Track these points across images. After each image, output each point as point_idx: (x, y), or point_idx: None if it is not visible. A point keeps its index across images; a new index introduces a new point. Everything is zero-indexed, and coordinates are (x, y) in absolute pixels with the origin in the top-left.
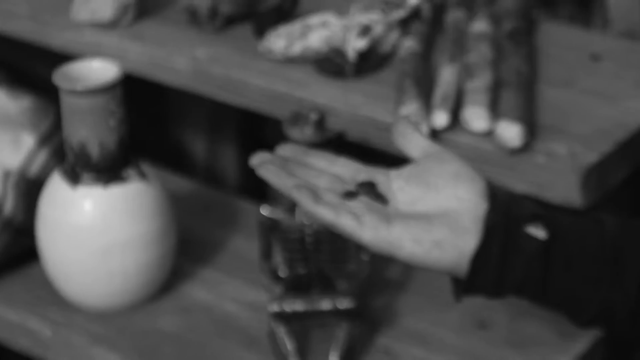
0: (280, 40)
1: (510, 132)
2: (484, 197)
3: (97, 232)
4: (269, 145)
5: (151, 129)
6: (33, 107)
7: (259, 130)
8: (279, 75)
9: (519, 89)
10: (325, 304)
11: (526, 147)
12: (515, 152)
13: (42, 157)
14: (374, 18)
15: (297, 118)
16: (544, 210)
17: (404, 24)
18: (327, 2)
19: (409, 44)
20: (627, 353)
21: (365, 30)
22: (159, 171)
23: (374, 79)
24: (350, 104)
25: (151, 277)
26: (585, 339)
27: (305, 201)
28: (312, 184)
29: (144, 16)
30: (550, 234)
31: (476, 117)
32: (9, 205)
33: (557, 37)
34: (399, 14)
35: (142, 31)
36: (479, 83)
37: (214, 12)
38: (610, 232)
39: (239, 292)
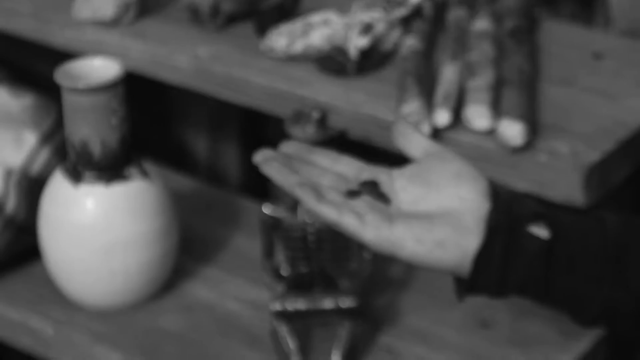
0: (282, 38)
1: (512, 131)
2: (486, 196)
3: (99, 230)
4: (270, 144)
5: (153, 127)
6: (35, 105)
7: (261, 128)
8: (281, 73)
9: (521, 88)
10: (328, 303)
11: (528, 145)
12: (517, 150)
13: (44, 155)
14: (376, 16)
15: (299, 116)
16: (546, 209)
17: (406, 22)
18: (328, 0)
19: (411, 42)
20: (630, 352)
21: (367, 29)
22: (161, 169)
23: (375, 77)
24: (352, 102)
25: (153, 275)
26: (587, 338)
27: (308, 199)
28: (315, 182)
29: (145, 14)
30: (553, 233)
31: (478, 116)
32: (11, 204)
33: (559, 35)
34: (401, 12)
35: (144, 29)
36: (481, 81)
37: (215, 10)
38: (613, 231)
39: (241, 291)
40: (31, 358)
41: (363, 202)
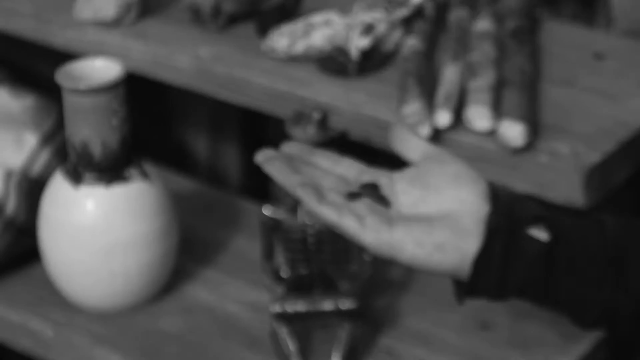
0: (283, 39)
1: (513, 132)
2: (485, 198)
3: (99, 231)
4: (271, 145)
5: (154, 128)
6: (35, 106)
7: (262, 129)
8: (282, 74)
9: (522, 88)
10: (328, 305)
11: (529, 146)
12: (518, 151)
13: (44, 156)
14: (377, 17)
15: (300, 117)
16: (545, 212)
17: (407, 23)
18: (330, 1)
19: (412, 43)
20: (630, 354)
21: (368, 29)
22: (161, 171)
23: (376, 78)
24: (353, 103)
25: (153, 277)
26: (587, 340)
27: (309, 200)
28: (317, 183)
29: (146, 15)
30: (553, 235)
31: (479, 117)
32: (11, 205)
33: (560, 36)
34: (402, 12)
35: (145, 30)
36: (482, 82)
37: (217, 11)
38: (613, 233)
39: (241, 293)
40: None
41: (363, 205)
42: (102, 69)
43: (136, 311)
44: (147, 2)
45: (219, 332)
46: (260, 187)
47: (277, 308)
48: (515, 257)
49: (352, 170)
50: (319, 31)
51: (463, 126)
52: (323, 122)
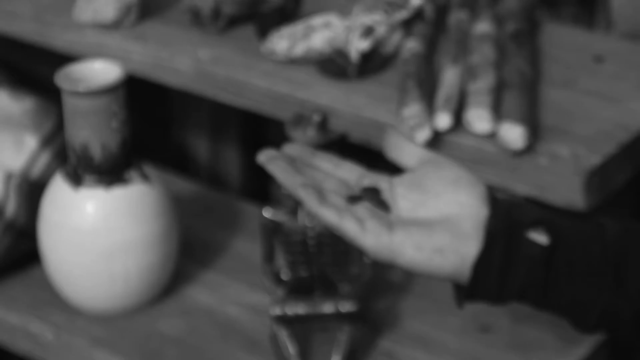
0: (283, 41)
1: (513, 134)
2: (484, 202)
3: (99, 234)
4: (271, 147)
5: (153, 130)
6: (35, 108)
7: (262, 131)
8: (282, 76)
9: (522, 90)
10: (328, 307)
11: (529, 148)
12: (518, 153)
13: (44, 158)
14: (377, 19)
15: (300, 119)
16: (545, 215)
17: (407, 25)
18: (329, 3)
19: (412, 45)
20: (630, 357)
21: (368, 31)
22: (162, 173)
23: (376, 80)
24: (353, 105)
25: (153, 279)
26: (587, 343)
27: (310, 201)
28: (318, 185)
29: (146, 17)
30: (552, 239)
31: (479, 119)
32: (11, 208)
33: (560, 38)
34: (402, 15)
35: (145, 32)
36: (482, 84)
37: (216, 13)
38: (612, 236)
39: (241, 295)
40: None
41: (364, 208)
42: (101, 71)
43: (136, 314)
44: (146, 4)
45: (219, 334)
46: (261, 190)
47: (277, 310)
48: (515, 260)
49: (353, 174)
50: (318, 33)
51: (463, 128)
52: (323, 125)
